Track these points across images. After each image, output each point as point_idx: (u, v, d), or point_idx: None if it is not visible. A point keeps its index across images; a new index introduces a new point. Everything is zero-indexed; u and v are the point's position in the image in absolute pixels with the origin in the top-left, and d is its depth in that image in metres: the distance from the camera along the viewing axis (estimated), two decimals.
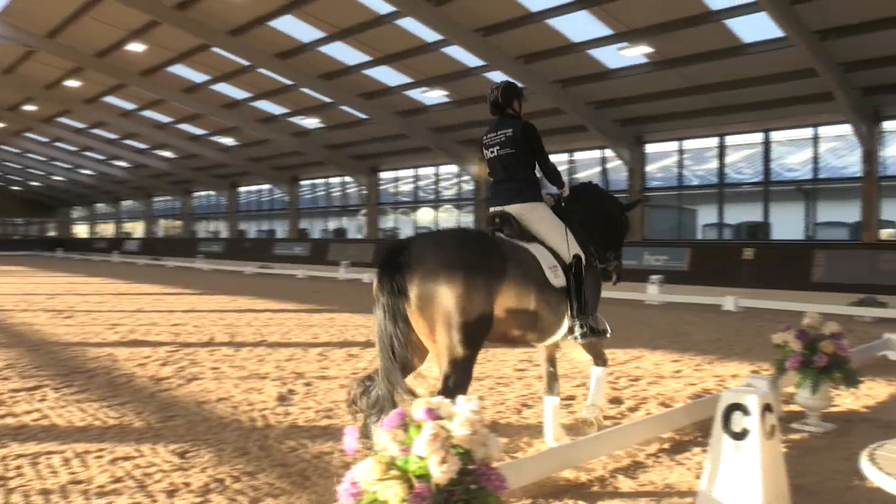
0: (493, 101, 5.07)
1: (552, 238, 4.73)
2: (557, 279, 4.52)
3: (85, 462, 4.56)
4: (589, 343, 4.98)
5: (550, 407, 4.95)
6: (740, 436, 3.61)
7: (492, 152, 4.96)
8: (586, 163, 25.44)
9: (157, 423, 5.48)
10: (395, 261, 3.97)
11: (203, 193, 45.62)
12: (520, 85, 5.32)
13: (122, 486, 4.15)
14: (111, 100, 29.90)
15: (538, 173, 5.00)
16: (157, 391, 6.61)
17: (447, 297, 3.88)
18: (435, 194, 31.10)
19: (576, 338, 4.64)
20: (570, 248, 4.72)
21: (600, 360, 5.24)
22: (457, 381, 3.90)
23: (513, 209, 4.83)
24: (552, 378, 5.03)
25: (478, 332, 4.01)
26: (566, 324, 4.64)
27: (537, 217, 4.81)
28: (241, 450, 4.81)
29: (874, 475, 2.82)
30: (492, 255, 4.19)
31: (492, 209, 4.96)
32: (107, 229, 58.58)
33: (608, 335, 4.83)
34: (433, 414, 2.44)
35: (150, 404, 6.09)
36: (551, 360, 5.09)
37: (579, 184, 5.64)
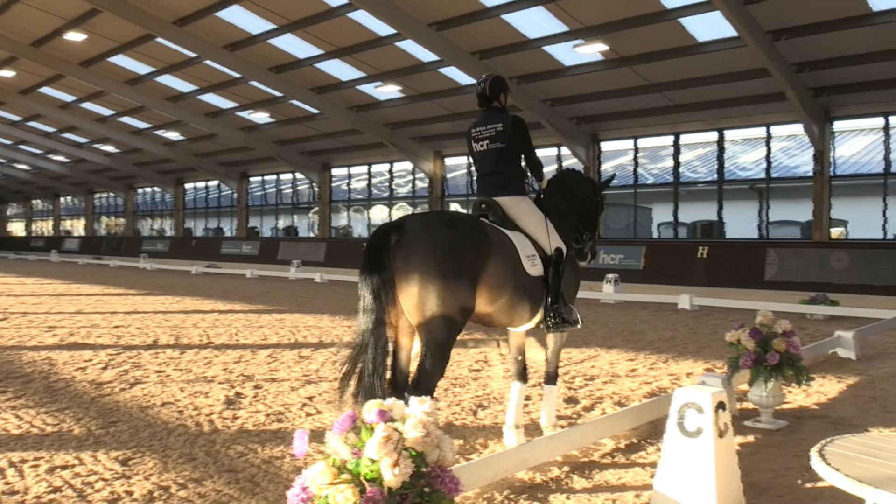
0: (480, 93, 5.11)
1: (535, 230, 4.84)
2: (534, 268, 4.62)
3: (21, 471, 4.34)
4: (555, 349, 5.11)
5: (517, 392, 4.97)
6: (694, 434, 3.61)
7: (481, 146, 5.02)
8: (542, 160, 25.52)
9: (98, 430, 5.26)
10: (386, 239, 4.01)
11: (147, 190, 44.64)
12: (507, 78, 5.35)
13: (60, 496, 3.96)
14: (48, 91, 28.98)
15: (523, 166, 5.10)
16: (98, 396, 6.36)
17: (434, 276, 3.93)
18: (389, 191, 30.92)
19: (547, 327, 4.73)
20: (551, 240, 4.84)
21: (553, 378, 5.18)
22: (434, 362, 3.96)
23: (499, 201, 4.91)
24: (521, 367, 5.09)
25: (461, 315, 4.08)
26: (540, 313, 4.74)
27: (522, 210, 4.91)
28: (187, 456, 4.64)
29: (824, 471, 2.84)
30: (480, 238, 4.27)
31: (479, 198, 5.05)
32: (45, 227, 56.80)
33: (579, 325, 4.93)
34: (385, 416, 2.40)
35: (91, 410, 5.85)
36: (520, 349, 5.15)
37: (557, 173, 5.70)
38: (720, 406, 3.68)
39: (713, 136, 21.14)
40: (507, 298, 4.42)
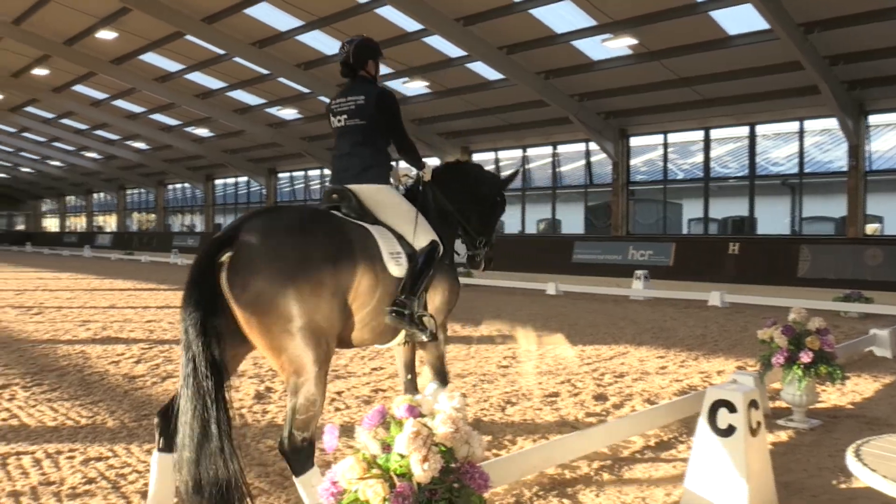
0: (343, 60, 4.42)
1: (400, 224, 4.13)
2: (399, 267, 3.90)
3: (57, 463, 4.41)
4: (433, 364, 4.44)
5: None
6: (726, 432, 3.58)
7: (338, 121, 4.32)
8: (570, 156, 25.44)
9: (132, 423, 5.34)
10: (214, 257, 3.27)
11: (178, 186, 45.11)
12: (375, 41, 4.60)
13: (95, 487, 4.02)
14: (80, 89, 29.37)
15: (392, 150, 4.41)
16: (132, 389, 6.46)
17: (287, 299, 3.21)
18: None
19: (391, 314, 3.83)
20: (419, 234, 4.13)
21: (440, 378, 4.48)
22: (308, 397, 3.28)
23: (355, 189, 4.18)
24: (411, 387, 4.50)
25: (328, 338, 3.40)
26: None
27: (383, 200, 4.20)
28: None
29: (860, 472, 2.79)
30: (339, 241, 3.57)
31: (330, 186, 4.32)
32: (78, 223, 57.68)
33: (425, 338, 4.07)
34: (415, 411, 2.40)
35: (124, 403, 5.95)
36: (409, 367, 4.59)
37: (446, 164, 5.02)
38: (752, 404, 3.64)
39: (744, 130, 20.81)
40: (372, 309, 3.74)
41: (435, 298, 4.30)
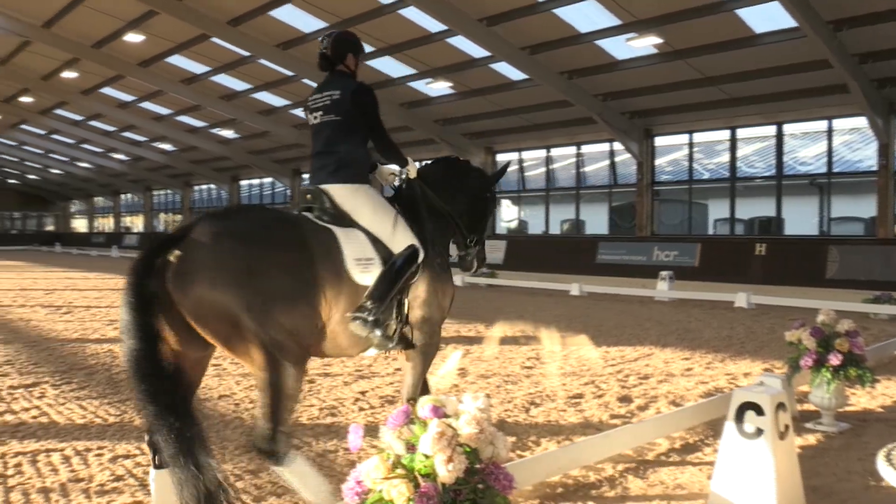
0: (321, 54, 4.22)
1: (376, 226, 3.92)
2: (366, 274, 3.70)
3: (85, 460, 4.49)
4: (412, 379, 4.13)
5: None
6: (753, 435, 3.54)
7: (314, 118, 4.13)
8: (594, 156, 25.30)
9: None
10: (157, 258, 3.13)
11: (203, 187, 45.55)
12: (355, 35, 4.43)
13: (123, 484, 4.08)
14: (108, 91, 29.75)
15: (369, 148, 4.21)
16: None
17: (232, 306, 3.09)
18: None
19: (353, 321, 3.62)
20: (397, 237, 3.92)
21: (412, 392, 4.11)
22: (280, 392, 3.20)
23: (329, 190, 3.99)
24: (423, 389, 4.29)
25: (286, 342, 3.24)
26: (390, 328, 3.85)
27: (359, 201, 3.97)
28: (243, 448, 4.72)
29: (891, 476, 2.74)
30: (296, 246, 3.42)
31: (304, 187, 4.15)
32: (106, 223, 58.45)
33: (391, 347, 3.86)
34: (439, 412, 2.40)
35: None
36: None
37: (434, 161, 4.76)
38: (780, 407, 3.60)
39: (771, 130, 20.56)
40: (337, 317, 3.60)
41: (423, 303, 4.06)
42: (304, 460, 3.38)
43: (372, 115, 4.06)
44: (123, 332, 2.99)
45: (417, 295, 4.03)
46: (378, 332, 3.65)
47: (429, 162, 4.72)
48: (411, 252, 3.86)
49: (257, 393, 3.30)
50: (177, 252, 3.12)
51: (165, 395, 2.88)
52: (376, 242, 3.86)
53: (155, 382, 2.89)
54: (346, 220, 3.89)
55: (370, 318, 3.60)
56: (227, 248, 3.19)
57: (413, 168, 4.34)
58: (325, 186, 3.99)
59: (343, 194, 3.96)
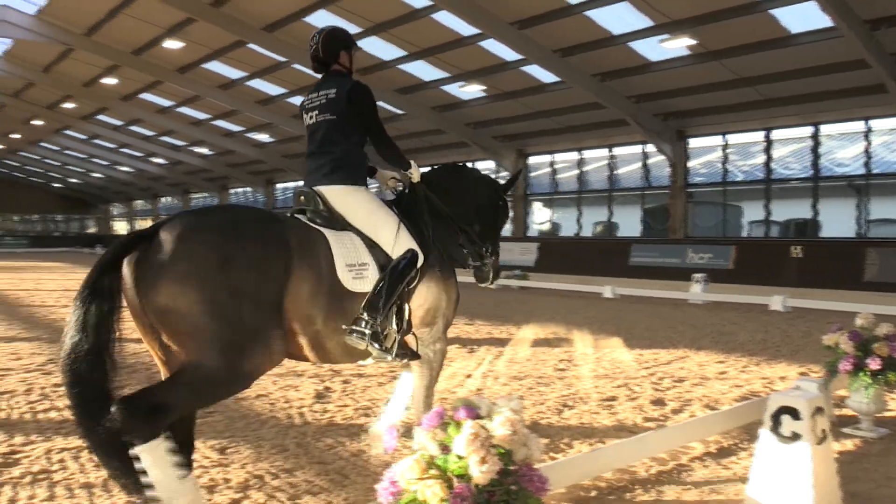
0: (312, 54, 4.08)
1: (373, 230, 3.79)
2: (360, 280, 3.57)
3: None
4: (423, 387, 4.07)
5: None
6: (790, 440, 3.50)
7: (310, 118, 4.00)
8: (627, 158, 25.10)
9: (197, 420, 5.47)
10: (124, 252, 3.07)
11: (240, 190, 46.12)
12: (347, 31, 4.33)
13: None
14: (148, 97, 30.33)
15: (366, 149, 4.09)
16: None
17: (192, 305, 2.99)
18: None
19: (350, 334, 3.53)
20: (398, 242, 3.76)
21: (424, 403, 4.07)
22: (169, 387, 3.16)
23: (324, 191, 3.86)
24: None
25: (247, 346, 3.12)
26: (389, 338, 3.69)
27: (354, 203, 3.84)
28: (279, 447, 4.80)
29: None
30: (271, 246, 3.26)
31: (298, 188, 4.02)
32: (145, 226, 59.40)
33: (390, 359, 3.69)
34: (473, 413, 2.41)
35: None
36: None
37: (441, 166, 4.62)
38: (818, 411, 3.55)
39: (808, 131, 20.21)
40: (322, 324, 3.44)
41: (426, 310, 3.94)
42: (167, 448, 3.05)
43: (368, 115, 3.96)
44: (68, 324, 3.01)
45: (420, 302, 3.91)
46: (376, 346, 3.54)
47: (436, 168, 4.61)
48: (410, 257, 3.73)
49: (165, 374, 3.29)
50: (144, 248, 3.08)
51: (90, 389, 3.05)
52: (372, 247, 3.74)
53: (83, 377, 3.04)
54: (341, 224, 3.78)
55: (368, 331, 3.50)
56: (193, 244, 3.08)
57: (416, 171, 4.21)
58: (319, 188, 3.87)
59: (338, 196, 3.85)
